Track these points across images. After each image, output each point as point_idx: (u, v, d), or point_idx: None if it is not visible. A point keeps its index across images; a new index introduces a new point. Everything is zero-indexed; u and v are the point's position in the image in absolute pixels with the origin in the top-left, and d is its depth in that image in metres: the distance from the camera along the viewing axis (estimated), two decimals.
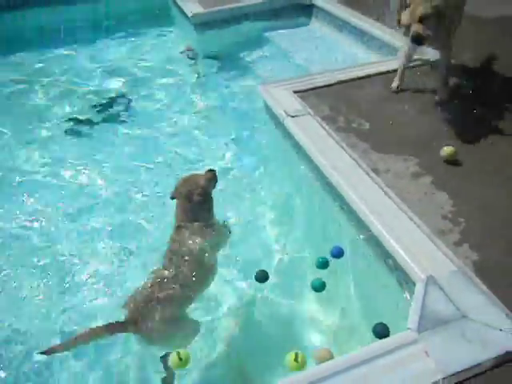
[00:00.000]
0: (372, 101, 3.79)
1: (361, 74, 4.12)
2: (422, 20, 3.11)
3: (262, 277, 2.82)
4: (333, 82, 4.04)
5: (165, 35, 6.87)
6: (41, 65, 6.18)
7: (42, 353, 2.32)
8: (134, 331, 2.39)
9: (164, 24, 7.03)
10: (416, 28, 3.13)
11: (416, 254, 2.36)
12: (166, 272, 2.52)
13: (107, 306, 2.91)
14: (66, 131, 4.72)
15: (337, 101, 3.79)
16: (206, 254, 2.63)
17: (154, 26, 6.98)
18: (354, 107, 3.70)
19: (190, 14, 6.17)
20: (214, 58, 6.09)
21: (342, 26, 5.74)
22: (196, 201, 2.68)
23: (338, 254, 2.81)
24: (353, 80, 4.05)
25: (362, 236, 2.73)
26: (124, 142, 4.56)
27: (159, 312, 2.38)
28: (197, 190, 2.69)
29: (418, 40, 3.19)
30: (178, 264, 2.55)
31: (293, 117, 3.57)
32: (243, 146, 4.31)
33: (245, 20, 6.34)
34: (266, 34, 6.27)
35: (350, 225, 2.84)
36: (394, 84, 3.85)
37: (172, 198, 2.81)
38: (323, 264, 2.79)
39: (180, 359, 2.18)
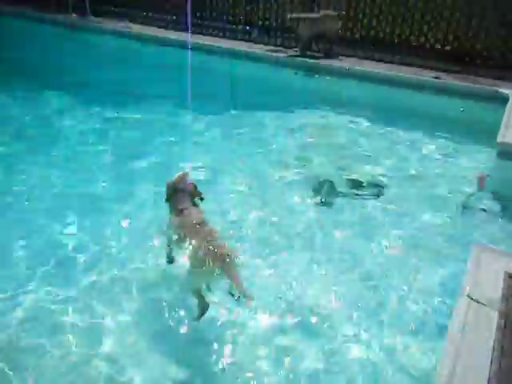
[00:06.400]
0: None
1: None
2: None
3: None
4: None
5: (467, 150, 6.31)
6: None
7: None
8: None
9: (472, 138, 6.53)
10: None
11: None
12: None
13: None
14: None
15: None
16: None
17: (464, 137, 6.57)
18: None
19: (498, 140, 5.54)
20: (503, 195, 5.24)
21: None
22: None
23: None
24: None
25: None
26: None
27: None
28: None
29: None
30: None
31: (477, 302, 2.84)
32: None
33: None
34: None
35: None
36: None
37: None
38: None
39: None
